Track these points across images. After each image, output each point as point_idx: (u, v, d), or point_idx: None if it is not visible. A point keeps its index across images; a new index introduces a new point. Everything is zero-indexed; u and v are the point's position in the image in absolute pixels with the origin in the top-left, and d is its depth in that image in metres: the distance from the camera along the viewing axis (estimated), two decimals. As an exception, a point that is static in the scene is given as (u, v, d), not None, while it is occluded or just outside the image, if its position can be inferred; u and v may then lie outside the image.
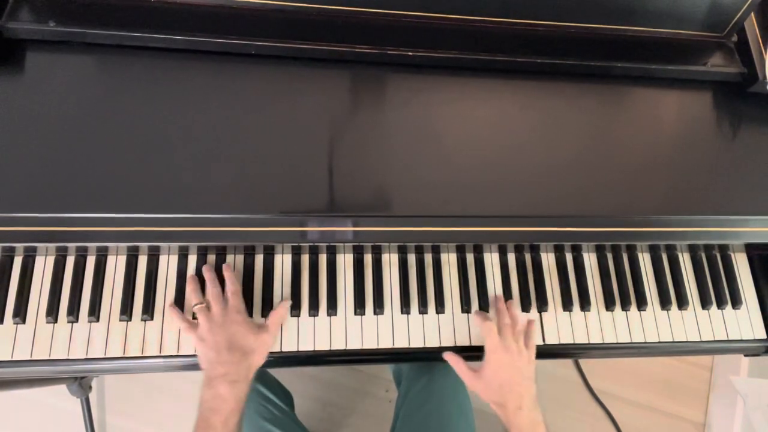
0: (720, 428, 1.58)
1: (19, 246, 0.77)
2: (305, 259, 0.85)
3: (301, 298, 0.83)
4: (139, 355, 0.78)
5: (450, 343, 0.84)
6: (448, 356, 0.82)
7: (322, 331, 0.83)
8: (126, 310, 0.79)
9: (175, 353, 0.79)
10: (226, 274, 0.80)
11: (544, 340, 0.86)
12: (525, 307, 0.87)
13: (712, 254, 0.93)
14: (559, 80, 0.87)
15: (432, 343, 0.84)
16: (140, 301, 0.80)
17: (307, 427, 1.03)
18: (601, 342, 0.87)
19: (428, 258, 0.87)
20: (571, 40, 0.86)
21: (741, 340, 0.90)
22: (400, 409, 1.00)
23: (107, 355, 0.78)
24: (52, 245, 0.77)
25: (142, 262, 0.82)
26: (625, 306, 0.88)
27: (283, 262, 0.85)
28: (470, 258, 0.88)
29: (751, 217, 0.83)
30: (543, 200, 0.79)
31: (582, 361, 1.61)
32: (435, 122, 0.81)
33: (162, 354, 0.79)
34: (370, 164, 0.78)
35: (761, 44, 0.87)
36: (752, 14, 0.88)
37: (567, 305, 0.87)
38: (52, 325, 0.78)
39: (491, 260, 0.89)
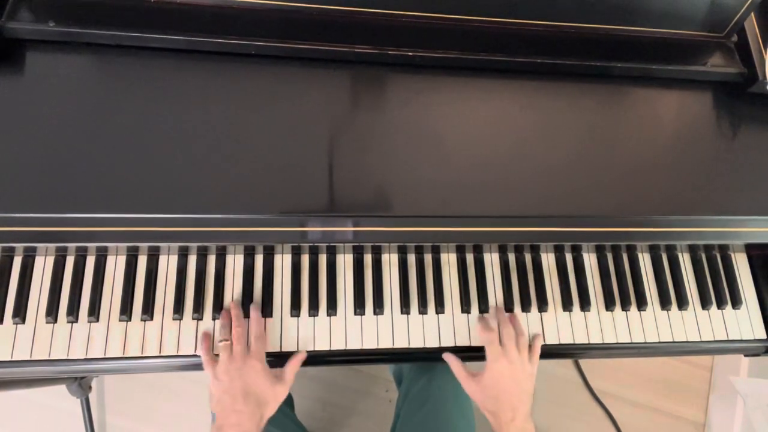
0: (720, 428, 1.58)
1: (19, 246, 0.77)
2: (305, 259, 0.85)
3: (301, 298, 0.83)
4: (139, 355, 0.78)
5: (450, 344, 0.84)
6: (447, 357, 0.82)
7: (322, 332, 0.83)
8: (126, 310, 0.79)
9: (174, 353, 0.79)
10: (253, 314, 0.79)
11: (544, 340, 0.86)
12: (525, 307, 0.87)
13: (712, 254, 0.93)
14: (559, 80, 0.87)
15: (432, 343, 0.84)
16: (140, 301, 0.80)
17: (307, 427, 1.03)
18: (601, 342, 0.87)
19: (428, 258, 0.87)
20: (571, 40, 0.86)
21: (741, 340, 0.90)
22: (400, 409, 1.00)
23: (107, 355, 0.78)
24: (52, 245, 0.77)
25: (142, 262, 0.82)
26: (625, 306, 0.88)
27: (283, 262, 0.85)
28: (470, 258, 0.88)
29: (751, 218, 0.83)
30: (543, 200, 0.79)
31: (582, 361, 1.61)
32: (435, 122, 0.81)
33: (162, 354, 0.79)
34: (371, 164, 0.78)
35: (761, 44, 0.87)
36: (752, 14, 0.88)
37: (567, 305, 0.87)
38: (51, 325, 0.78)
39: (491, 260, 0.89)
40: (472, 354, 0.83)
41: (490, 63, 0.84)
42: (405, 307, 0.84)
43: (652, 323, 0.89)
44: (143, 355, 0.79)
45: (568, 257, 0.90)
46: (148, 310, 0.80)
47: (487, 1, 0.81)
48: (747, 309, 0.91)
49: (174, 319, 0.80)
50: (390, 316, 0.84)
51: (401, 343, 0.83)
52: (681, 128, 0.87)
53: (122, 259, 0.81)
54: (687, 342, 0.89)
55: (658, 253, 0.92)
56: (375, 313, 0.84)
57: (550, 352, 0.87)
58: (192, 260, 0.83)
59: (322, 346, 0.82)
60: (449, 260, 0.88)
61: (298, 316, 0.83)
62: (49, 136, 0.73)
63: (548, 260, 0.90)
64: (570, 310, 0.88)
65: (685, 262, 0.93)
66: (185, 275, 0.82)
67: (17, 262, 0.80)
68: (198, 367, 0.80)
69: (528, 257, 0.90)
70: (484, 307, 0.86)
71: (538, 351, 0.82)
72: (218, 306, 0.81)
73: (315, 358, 0.82)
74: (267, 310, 0.82)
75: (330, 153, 0.77)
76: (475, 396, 0.79)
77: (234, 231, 0.75)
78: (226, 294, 0.82)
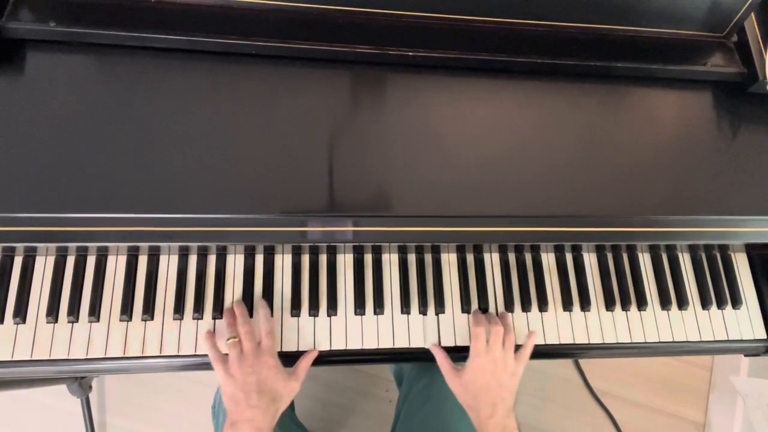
0: (720, 428, 1.58)
1: (19, 246, 0.77)
2: (305, 259, 0.85)
3: (302, 298, 0.83)
4: (139, 355, 0.78)
5: (450, 344, 0.84)
6: (434, 349, 0.82)
7: (322, 332, 0.83)
8: (126, 310, 0.79)
9: (175, 353, 0.79)
10: (261, 311, 0.79)
11: (544, 340, 0.86)
12: (525, 307, 0.87)
13: (712, 254, 0.93)
14: (559, 80, 0.87)
15: (432, 343, 0.83)
16: (140, 301, 0.80)
17: (307, 427, 1.03)
18: (601, 342, 0.87)
19: (428, 258, 0.87)
20: (571, 40, 0.86)
21: (741, 340, 0.90)
22: (400, 409, 1.00)
23: (107, 355, 0.78)
24: (52, 245, 0.77)
25: (143, 262, 0.82)
26: (625, 306, 0.88)
27: (283, 262, 0.85)
28: (470, 258, 0.89)
29: (751, 218, 0.83)
30: (543, 200, 0.80)
31: (582, 361, 1.62)
32: (435, 122, 0.81)
33: (162, 354, 0.79)
34: (371, 164, 0.78)
35: (761, 44, 0.87)
36: (752, 14, 0.88)
37: (567, 305, 0.87)
38: (52, 325, 0.78)
39: (491, 260, 0.89)
40: (473, 354, 0.83)
41: (490, 63, 0.84)
42: (405, 307, 0.84)
43: (652, 323, 0.89)
44: (144, 355, 0.79)
45: (568, 257, 0.90)
46: (149, 310, 0.80)
47: (487, 1, 0.81)
48: (747, 309, 0.91)
49: (174, 319, 0.80)
50: (390, 316, 0.84)
51: (401, 343, 0.83)
52: (681, 128, 0.87)
53: (123, 259, 0.82)
54: (687, 342, 0.89)
55: (658, 253, 0.92)
56: (375, 313, 0.84)
57: (550, 352, 0.87)
58: (192, 260, 0.83)
59: (322, 346, 0.82)
60: (449, 260, 0.88)
61: (298, 316, 0.83)
62: (49, 136, 0.73)
63: (548, 260, 0.90)
64: (570, 310, 0.88)
65: (685, 262, 0.93)
66: (186, 275, 0.82)
67: (18, 262, 0.80)
68: (198, 366, 0.80)
69: (528, 257, 0.90)
70: (484, 307, 0.86)
71: (529, 349, 0.82)
72: (219, 306, 0.81)
73: (315, 358, 0.82)
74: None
75: (330, 153, 0.77)
76: (455, 390, 0.79)
77: (234, 231, 0.75)
78: (227, 294, 0.82)
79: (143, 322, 0.80)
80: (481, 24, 0.84)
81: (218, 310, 0.81)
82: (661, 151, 0.85)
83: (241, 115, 0.78)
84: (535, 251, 0.89)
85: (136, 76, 0.78)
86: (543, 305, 0.87)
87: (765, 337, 0.90)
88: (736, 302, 0.91)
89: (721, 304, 0.90)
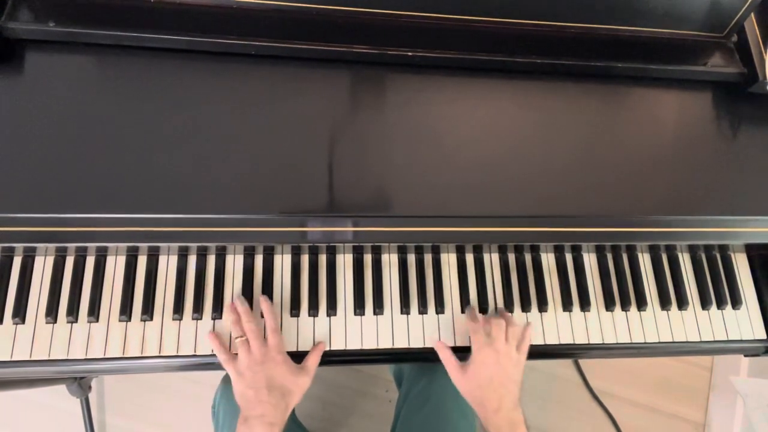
0: (720, 428, 1.58)
1: (19, 246, 0.77)
2: (305, 259, 0.85)
3: (301, 298, 0.83)
4: (139, 355, 0.78)
5: (450, 344, 0.84)
6: (437, 345, 0.82)
7: (321, 332, 0.83)
8: (125, 311, 0.79)
9: (174, 353, 0.79)
10: (265, 307, 0.79)
11: (544, 340, 0.86)
12: (525, 307, 0.87)
13: (712, 254, 0.93)
14: (559, 80, 0.87)
15: (432, 343, 0.83)
16: (140, 301, 0.80)
17: (307, 427, 1.03)
18: (601, 342, 0.87)
19: (428, 258, 0.87)
20: (571, 40, 0.86)
21: (741, 340, 0.90)
22: (400, 409, 1.00)
23: (107, 356, 0.78)
24: (52, 245, 0.77)
25: (142, 262, 0.82)
26: (625, 306, 0.88)
27: (282, 262, 0.85)
28: (470, 258, 0.88)
29: (751, 218, 0.83)
30: (543, 200, 0.79)
31: (582, 361, 1.61)
32: (435, 122, 0.81)
33: (162, 354, 0.79)
34: (370, 164, 0.78)
35: (761, 44, 0.87)
36: (752, 14, 0.88)
37: (567, 305, 0.87)
38: (51, 325, 0.78)
39: (491, 260, 0.89)
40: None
41: (490, 63, 0.84)
42: (405, 307, 0.84)
43: (652, 323, 0.89)
44: (143, 355, 0.79)
45: (568, 257, 0.90)
46: (148, 310, 0.80)
47: (486, 1, 0.81)
48: (747, 309, 0.91)
49: (174, 319, 0.80)
50: (390, 316, 0.84)
51: (401, 343, 0.83)
52: (681, 128, 0.87)
53: (122, 259, 0.81)
54: (687, 342, 0.89)
55: (658, 253, 0.92)
56: (375, 313, 0.84)
57: (550, 352, 0.87)
58: (192, 260, 0.83)
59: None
60: (449, 260, 0.88)
61: (297, 316, 0.83)
62: (49, 136, 0.73)
63: (548, 260, 0.90)
64: (570, 310, 0.88)
65: (685, 262, 0.93)
66: (185, 275, 0.82)
67: (17, 262, 0.80)
68: (198, 366, 0.81)
69: (528, 257, 0.90)
70: (484, 307, 0.86)
71: (528, 340, 0.82)
72: (218, 306, 0.81)
73: (315, 358, 0.82)
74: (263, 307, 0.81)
75: (330, 153, 0.77)
76: (460, 386, 0.78)
77: (234, 231, 0.75)
78: (226, 294, 0.82)
79: (142, 322, 0.80)
80: (481, 24, 0.84)
81: (218, 310, 0.81)
82: (660, 151, 0.85)
83: (240, 115, 0.78)
84: (535, 251, 0.89)
85: (135, 76, 0.78)
86: (543, 305, 0.87)
87: (765, 337, 0.90)
88: (736, 302, 0.90)
89: (721, 305, 0.90)
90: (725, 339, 0.89)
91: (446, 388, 0.96)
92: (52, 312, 0.78)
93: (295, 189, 0.75)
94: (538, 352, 0.87)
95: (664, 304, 0.89)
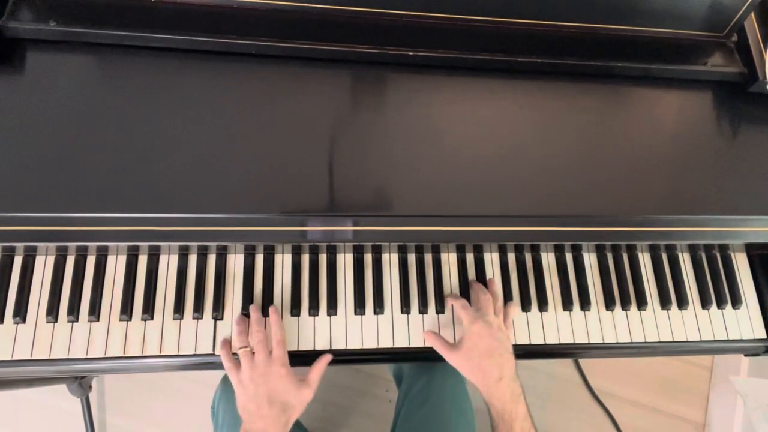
0: (720, 428, 1.58)
1: (19, 246, 0.77)
2: (305, 258, 0.85)
3: (301, 298, 0.83)
4: (139, 354, 0.78)
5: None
6: (426, 334, 0.82)
7: (322, 331, 0.83)
8: (126, 310, 0.79)
9: (175, 353, 0.79)
10: (274, 319, 0.79)
11: (544, 339, 0.86)
12: (525, 307, 0.87)
13: (712, 254, 0.93)
14: (559, 80, 0.87)
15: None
16: (140, 301, 0.80)
17: (307, 427, 1.03)
18: (601, 341, 0.87)
19: (428, 258, 0.87)
20: (571, 40, 0.86)
21: (741, 340, 0.90)
22: (400, 409, 1.00)
23: (107, 355, 0.78)
24: (52, 245, 0.78)
25: (142, 261, 0.82)
26: (625, 306, 0.88)
27: (283, 262, 0.85)
28: (470, 258, 0.89)
29: (751, 217, 0.83)
30: (543, 200, 0.79)
31: (582, 361, 1.61)
32: (435, 122, 0.81)
33: (162, 354, 0.79)
34: (371, 164, 0.78)
35: (761, 44, 0.87)
36: (752, 14, 0.88)
37: (567, 305, 0.87)
38: (52, 324, 0.78)
39: (491, 260, 0.89)
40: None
41: (490, 63, 0.84)
42: (405, 307, 0.84)
43: (652, 323, 0.89)
44: (144, 354, 0.79)
45: (568, 257, 0.90)
46: (149, 310, 0.80)
47: (487, 1, 0.81)
48: (747, 309, 0.91)
49: (174, 318, 0.80)
50: (390, 316, 0.84)
51: (401, 343, 0.83)
52: (681, 128, 0.87)
53: (123, 259, 0.82)
54: (687, 342, 0.89)
55: (658, 253, 0.92)
56: (375, 312, 0.84)
57: (550, 352, 0.87)
58: (192, 260, 0.83)
59: (322, 345, 0.82)
60: (449, 260, 0.88)
61: (298, 315, 0.83)
62: (49, 136, 0.73)
63: (548, 260, 0.90)
64: (570, 310, 0.88)
65: (685, 261, 0.93)
66: (185, 275, 0.82)
67: (18, 261, 0.80)
68: (198, 366, 0.81)
69: (528, 257, 0.90)
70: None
71: (511, 316, 0.83)
72: (218, 306, 0.81)
73: (315, 358, 0.82)
74: (267, 310, 0.81)
75: (330, 152, 0.77)
76: (459, 365, 0.78)
77: (234, 231, 0.75)
78: (227, 294, 0.82)
79: (143, 321, 0.80)
80: (481, 24, 0.84)
81: (218, 309, 0.81)
82: (660, 151, 0.85)
83: (241, 115, 0.78)
84: (535, 251, 0.89)
85: (136, 75, 0.78)
86: (543, 305, 0.87)
87: (765, 337, 0.90)
88: (736, 302, 0.91)
89: (721, 304, 0.90)
90: (725, 339, 0.89)
91: (446, 387, 0.96)
92: (52, 311, 0.78)
93: (296, 188, 0.75)
94: (538, 352, 0.87)
95: (665, 303, 0.89)
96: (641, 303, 0.88)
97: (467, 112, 0.83)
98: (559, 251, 0.90)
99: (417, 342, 0.84)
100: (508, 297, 0.87)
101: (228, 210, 0.74)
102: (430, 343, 0.81)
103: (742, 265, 0.94)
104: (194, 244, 0.81)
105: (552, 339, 0.86)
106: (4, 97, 0.74)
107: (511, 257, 0.89)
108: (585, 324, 0.88)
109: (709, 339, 0.89)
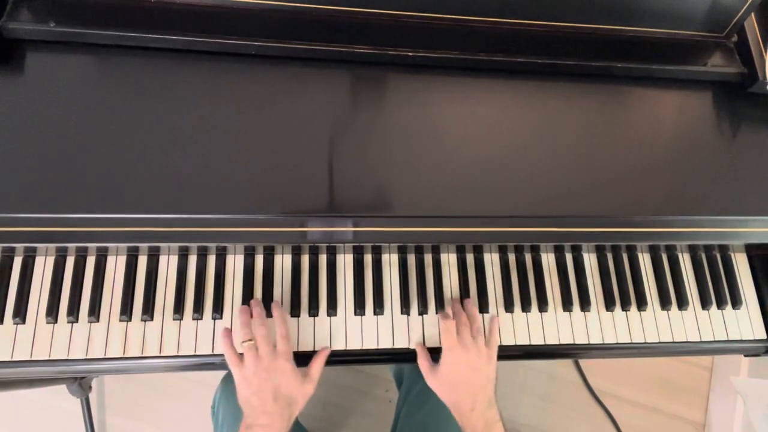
0: (720, 428, 1.58)
1: (19, 246, 0.77)
2: (305, 259, 0.85)
3: (301, 298, 0.83)
4: (139, 355, 0.78)
5: (450, 344, 0.84)
6: (417, 347, 0.82)
7: (322, 332, 0.83)
8: (126, 311, 0.79)
9: (175, 353, 0.79)
10: (276, 314, 0.78)
11: (544, 340, 0.86)
12: (525, 307, 0.87)
13: (712, 254, 0.93)
14: (559, 80, 0.87)
15: (432, 343, 0.84)
16: (140, 302, 0.80)
17: (306, 427, 1.03)
18: (601, 342, 0.87)
19: (428, 258, 0.87)
20: (571, 40, 0.86)
21: (741, 340, 0.90)
22: (400, 409, 1.00)
23: (107, 356, 0.78)
24: (52, 245, 0.77)
25: (142, 262, 0.82)
26: (625, 306, 0.88)
27: (283, 263, 0.85)
28: (470, 258, 0.89)
29: (751, 218, 0.83)
30: (543, 200, 0.79)
31: (582, 361, 1.62)
32: (435, 122, 0.81)
33: (162, 354, 0.79)
34: (370, 164, 0.78)
35: (761, 44, 0.87)
36: (752, 14, 0.88)
37: (567, 305, 0.87)
38: (52, 325, 0.78)
39: (491, 260, 0.89)
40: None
41: (490, 63, 0.84)
42: (405, 308, 0.84)
43: (652, 323, 0.89)
44: (143, 355, 0.79)
45: (568, 257, 0.90)
46: (149, 311, 0.80)
47: (487, 2, 0.81)
48: (747, 309, 0.91)
49: (174, 319, 0.80)
50: (390, 317, 0.84)
51: (401, 344, 0.83)
52: (681, 128, 0.87)
53: (122, 260, 0.82)
54: (687, 342, 0.89)
55: (658, 253, 0.92)
56: (375, 313, 0.84)
57: (550, 352, 0.87)
58: (192, 260, 0.83)
59: (322, 346, 0.82)
60: (449, 260, 0.88)
61: (298, 316, 0.83)
62: (49, 136, 0.73)
63: (548, 260, 0.90)
64: (570, 310, 0.88)
65: (685, 262, 0.93)
66: (185, 275, 0.82)
67: (17, 262, 0.80)
68: (198, 366, 0.81)
69: (528, 257, 0.90)
70: (484, 307, 0.86)
71: (496, 333, 0.82)
72: (218, 306, 0.81)
73: (315, 358, 0.82)
74: (266, 309, 0.81)
75: (330, 153, 0.77)
76: (435, 388, 0.78)
77: (234, 231, 0.75)
78: (227, 294, 0.82)
79: (143, 322, 0.80)
80: (481, 24, 0.84)
81: (218, 310, 0.81)
82: (660, 151, 0.85)
83: (240, 115, 0.78)
84: (535, 251, 0.89)
85: (135, 76, 0.78)
86: (543, 305, 0.87)
87: (765, 337, 0.90)
88: (736, 302, 0.91)
89: (721, 305, 0.90)
90: (725, 339, 0.89)
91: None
92: (52, 312, 0.78)
93: (296, 189, 0.75)
94: (538, 353, 0.87)
95: (664, 304, 0.89)
96: (641, 303, 0.88)
97: (467, 112, 0.83)
98: (559, 252, 0.90)
99: (417, 342, 0.84)
100: (508, 298, 0.87)
101: (227, 211, 0.74)
102: (418, 357, 0.81)
103: (742, 265, 0.94)
104: (194, 245, 0.81)
105: (552, 339, 0.86)
106: (4, 97, 0.74)
107: (511, 258, 0.89)
108: (585, 324, 0.88)
109: (709, 339, 0.89)
